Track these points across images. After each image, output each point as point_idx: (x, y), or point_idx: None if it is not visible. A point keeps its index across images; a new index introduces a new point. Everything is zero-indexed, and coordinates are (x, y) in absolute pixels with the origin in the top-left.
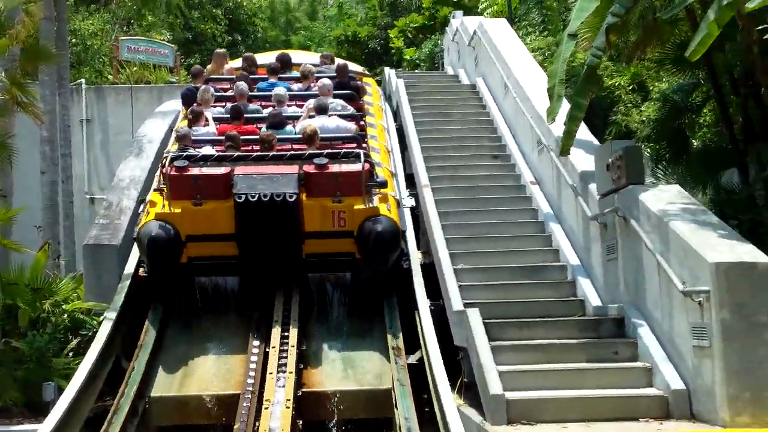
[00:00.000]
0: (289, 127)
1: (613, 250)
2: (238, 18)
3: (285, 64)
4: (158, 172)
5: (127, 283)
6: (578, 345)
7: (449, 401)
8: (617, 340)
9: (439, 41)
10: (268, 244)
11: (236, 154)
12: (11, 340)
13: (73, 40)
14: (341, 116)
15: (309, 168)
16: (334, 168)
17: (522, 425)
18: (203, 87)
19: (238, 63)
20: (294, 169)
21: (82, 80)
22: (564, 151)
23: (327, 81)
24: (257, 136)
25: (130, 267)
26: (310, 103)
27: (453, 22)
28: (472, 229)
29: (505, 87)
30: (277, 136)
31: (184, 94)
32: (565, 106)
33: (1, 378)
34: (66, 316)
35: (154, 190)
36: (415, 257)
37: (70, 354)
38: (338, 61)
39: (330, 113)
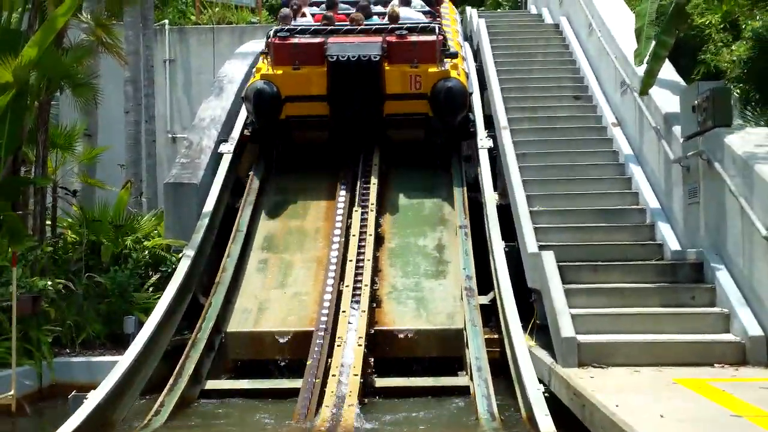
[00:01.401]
0: (375, 17)
1: (695, 194)
2: None
3: None
4: (264, 44)
5: (206, 221)
6: (654, 289)
7: (521, 342)
8: (695, 285)
9: None
10: (355, 103)
11: (330, 27)
12: (94, 275)
13: None
14: (421, 12)
15: (391, 38)
16: (413, 38)
17: (593, 368)
18: None
19: None
20: (378, 39)
21: (166, 21)
22: (643, 91)
23: None
24: (347, 23)
25: (209, 205)
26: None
27: None
28: (550, 171)
29: (590, 26)
30: (365, 22)
31: (284, 12)
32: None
33: (85, 311)
34: (147, 252)
35: (261, 53)
36: (491, 197)
37: (150, 289)
38: None
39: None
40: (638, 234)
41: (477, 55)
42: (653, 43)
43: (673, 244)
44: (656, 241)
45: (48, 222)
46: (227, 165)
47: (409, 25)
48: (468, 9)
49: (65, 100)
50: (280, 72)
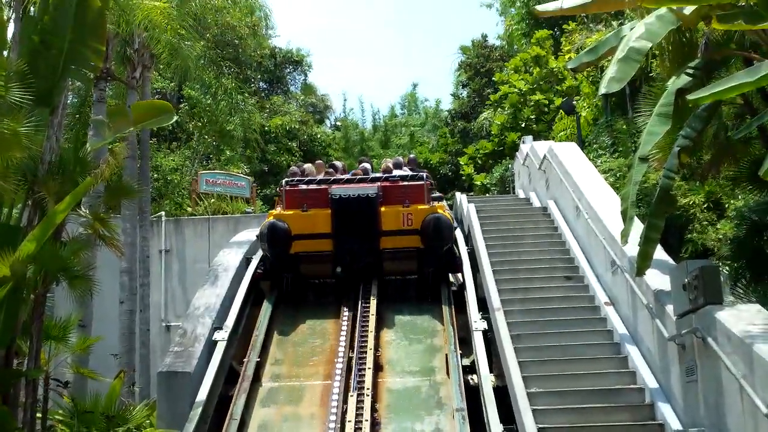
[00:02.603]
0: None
1: (692, 372)
2: (312, 149)
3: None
4: (278, 192)
5: (199, 410)
6: None
7: None
8: None
9: (509, 165)
10: (355, 238)
11: (334, 177)
12: None
13: (155, 176)
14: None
15: (385, 184)
16: (404, 183)
17: None
18: (308, 165)
19: None
20: (375, 184)
21: (162, 213)
22: (640, 273)
23: (400, 158)
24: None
25: (202, 394)
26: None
27: (523, 147)
28: (546, 351)
29: (577, 209)
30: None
31: (292, 170)
32: (638, 227)
33: None
34: None
35: (275, 197)
36: (488, 380)
37: None
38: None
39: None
40: (638, 414)
41: (468, 239)
42: (639, 224)
43: (674, 423)
44: (657, 421)
45: (39, 414)
46: (222, 353)
47: (401, 174)
48: (458, 194)
49: (60, 291)
50: (290, 213)
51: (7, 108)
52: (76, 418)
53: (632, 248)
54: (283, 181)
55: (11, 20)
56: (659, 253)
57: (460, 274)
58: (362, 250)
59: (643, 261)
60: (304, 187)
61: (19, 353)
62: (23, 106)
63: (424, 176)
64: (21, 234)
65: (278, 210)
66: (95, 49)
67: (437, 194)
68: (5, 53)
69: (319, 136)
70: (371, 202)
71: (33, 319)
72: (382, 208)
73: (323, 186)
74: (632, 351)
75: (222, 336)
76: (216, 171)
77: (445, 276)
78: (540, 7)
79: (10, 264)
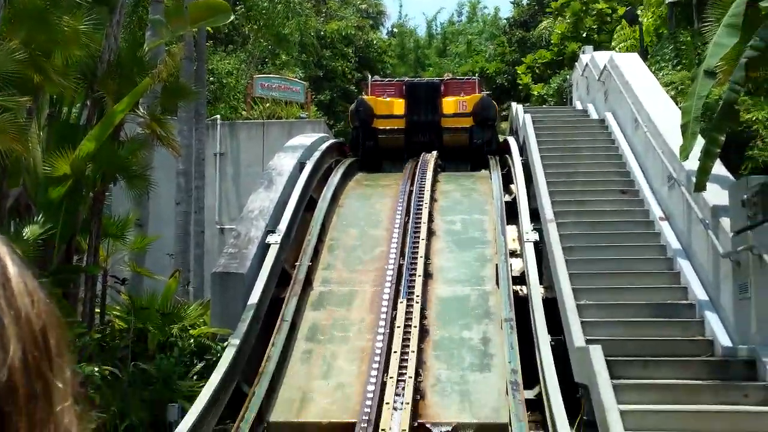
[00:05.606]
0: None
1: (745, 289)
2: (368, 56)
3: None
4: (364, 87)
5: (252, 311)
6: (706, 386)
7: None
8: (748, 383)
9: (567, 76)
10: (423, 118)
11: (407, 78)
12: (140, 363)
13: (210, 78)
14: None
15: (447, 81)
16: (461, 81)
17: None
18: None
19: None
20: (438, 81)
21: (218, 116)
22: (699, 187)
23: None
24: None
25: (255, 296)
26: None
27: (583, 57)
28: (597, 264)
29: (635, 121)
30: None
31: (375, 77)
32: (699, 143)
33: (129, 398)
34: (192, 340)
35: (363, 87)
36: (538, 290)
37: (195, 377)
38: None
39: None
40: (688, 329)
41: (523, 150)
42: (702, 139)
43: (724, 340)
44: (706, 337)
45: (97, 309)
46: (274, 255)
47: (459, 77)
48: (514, 104)
49: (118, 190)
50: (373, 97)
51: (67, 6)
52: (133, 314)
53: (690, 162)
54: (370, 77)
55: None
56: (718, 168)
57: (513, 186)
58: (428, 126)
59: (703, 175)
60: (385, 82)
61: (79, 249)
62: (83, 4)
63: (477, 75)
64: (80, 132)
65: (365, 96)
66: None
67: (486, 92)
68: None
69: (375, 42)
70: (436, 88)
71: (92, 217)
72: (444, 98)
73: (399, 82)
74: (685, 266)
75: (275, 239)
76: (271, 75)
77: (492, 153)
78: None
79: (70, 162)
